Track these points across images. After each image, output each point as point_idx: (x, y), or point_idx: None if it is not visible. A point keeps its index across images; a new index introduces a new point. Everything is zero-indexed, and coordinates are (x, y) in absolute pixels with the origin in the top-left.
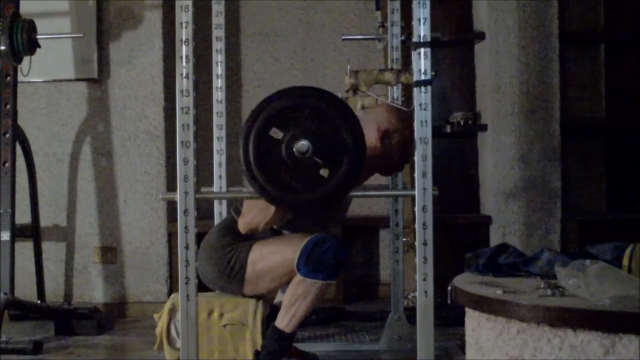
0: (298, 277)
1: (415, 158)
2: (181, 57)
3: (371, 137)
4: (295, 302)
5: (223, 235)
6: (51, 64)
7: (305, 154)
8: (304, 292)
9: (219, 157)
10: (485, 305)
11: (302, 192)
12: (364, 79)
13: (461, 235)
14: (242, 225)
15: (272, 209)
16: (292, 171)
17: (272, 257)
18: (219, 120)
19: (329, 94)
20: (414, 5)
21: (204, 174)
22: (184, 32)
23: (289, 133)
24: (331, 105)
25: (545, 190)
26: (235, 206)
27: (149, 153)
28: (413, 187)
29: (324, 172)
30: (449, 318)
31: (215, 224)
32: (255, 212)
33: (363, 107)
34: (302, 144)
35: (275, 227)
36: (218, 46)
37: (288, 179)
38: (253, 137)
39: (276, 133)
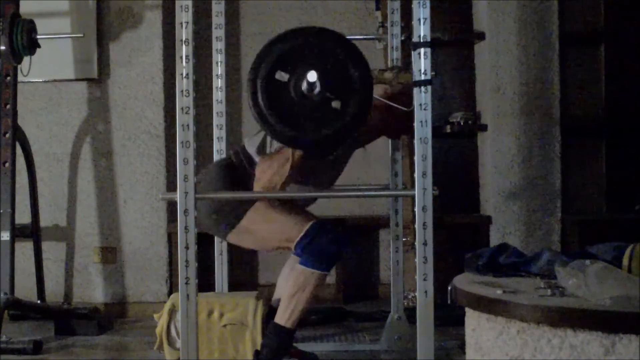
0: (298, 267)
1: (415, 158)
2: (181, 57)
3: (378, 91)
4: (295, 294)
5: (224, 175)
6: (51, 64)
7: (314, 88)
8: (304, 283)
9: (219, 157)
10: (485, 305)
11: (315, 130)
12: None
13: (461, 235)
14: (260, 189)
15: (287, 167)
16: (304, 111)
17: (273, 224)
18: (219, 120)
19: (331, 32)
20: (414, 5)
21: None
22: (184, 32)
23: (295, 75)
24: (335, 43)
25: (545, 190)
26: (235, 150)
27: (149, 153)
28: (413, 187)
29: (336, 105)
30: (449, 318)
31: None
32: (271, 174)
33: None
34: (311, 74)
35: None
36: (218, 46)
37: (300, 119)
38: (260, 82)
39: (282, 77)
